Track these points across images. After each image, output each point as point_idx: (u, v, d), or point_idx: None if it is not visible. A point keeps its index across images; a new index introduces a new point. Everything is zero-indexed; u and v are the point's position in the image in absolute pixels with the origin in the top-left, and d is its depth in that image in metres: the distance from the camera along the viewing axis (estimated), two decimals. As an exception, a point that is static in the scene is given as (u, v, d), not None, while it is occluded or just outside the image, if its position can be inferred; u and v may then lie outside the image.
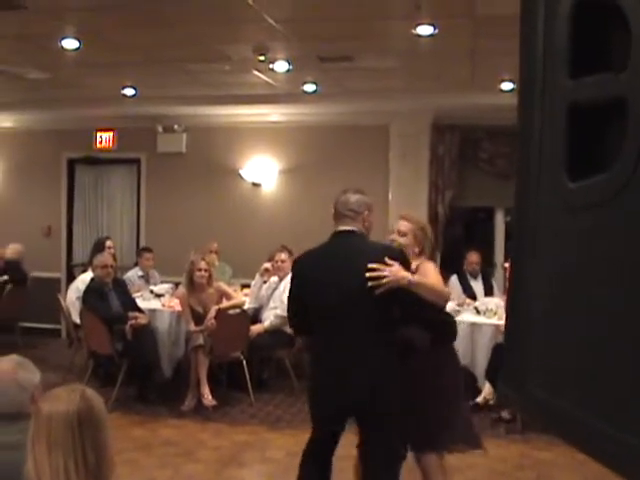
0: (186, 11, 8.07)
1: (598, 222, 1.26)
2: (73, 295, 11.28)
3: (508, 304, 1.65)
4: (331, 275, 5.21)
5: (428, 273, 5.40)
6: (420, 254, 5.64)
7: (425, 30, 8.27)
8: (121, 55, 10.02)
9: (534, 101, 1.47)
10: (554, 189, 1.39)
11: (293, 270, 5.74)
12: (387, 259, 4.98)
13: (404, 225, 5.66)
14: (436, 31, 8.30)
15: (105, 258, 10.66)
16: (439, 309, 5.38)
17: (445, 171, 13.70)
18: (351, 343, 5.20)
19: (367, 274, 4.94)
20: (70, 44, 9.17)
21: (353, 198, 5.36)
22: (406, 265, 5.15)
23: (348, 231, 5.29)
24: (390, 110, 13.24)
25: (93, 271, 10.66)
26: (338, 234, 5.35)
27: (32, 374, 3.88)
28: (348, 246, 5.27)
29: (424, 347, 5.43)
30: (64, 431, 2.89)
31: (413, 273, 5.18)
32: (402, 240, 5.60)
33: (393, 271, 4.94)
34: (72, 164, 15.56)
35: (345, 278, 5.12)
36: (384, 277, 4.92)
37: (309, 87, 11.74)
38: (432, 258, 5.80)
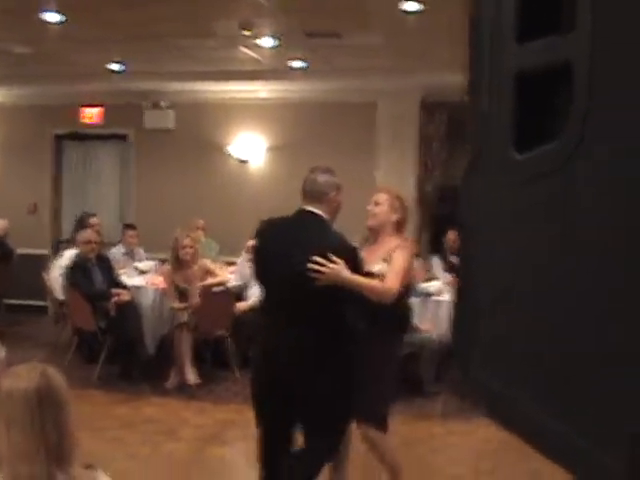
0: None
1: (547, 194, 1.21)
2: (57, 272, 11.21)
3: (457, 287, 1.60)
4: (280, 252, 5.13)
5: (394, 263, 5.33)
6: (400, 224, 5.60)
7: (411, 6, 8.21)
8: (107, 30, 9.94)
9: (482, 71, 1.42)
10: (502, 163, 1.33)
11: (256, 235, 5.68)
12: (333, 256, 4.89)
13: (379, 196, 5.63)
14: (422, 7, 8.23)
15: (88, 234, 10.59)
16: (393, 303, 5.30)
17: (434, 150, 13.65)
18: (289, 318, 5.15)
19: (308, 265, 4.88)
20: (52, 17, 9.08)
21: (321, 178, 5.26)
22: (355, 263, 5.07)
23: (310, 212, 5.20)
24: (378, 88, 13.16)
25: (76, 247, 10.59)
26: (300, 213, 5.25)
27: None
28: (305, 228, 5.17)
29: (365, 336, 5.38)
30: (23, 409, 2.84)
31: (359, 271, 5.12)
32: (378, 209, 5.56)
33: (335, 269, 4.88)
34: (59, 140, 15.48)
35: (291, 259, 5.02)
36: (323, 272, 4.87)
37: (297, 64, 11.68)
38: (403, 229, 5.75)
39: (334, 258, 4.89)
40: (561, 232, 1.18)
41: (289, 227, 5.27)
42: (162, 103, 14.46)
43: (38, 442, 2.82)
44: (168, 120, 14.55)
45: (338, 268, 4.89)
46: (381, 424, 5.56)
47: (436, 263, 11.70)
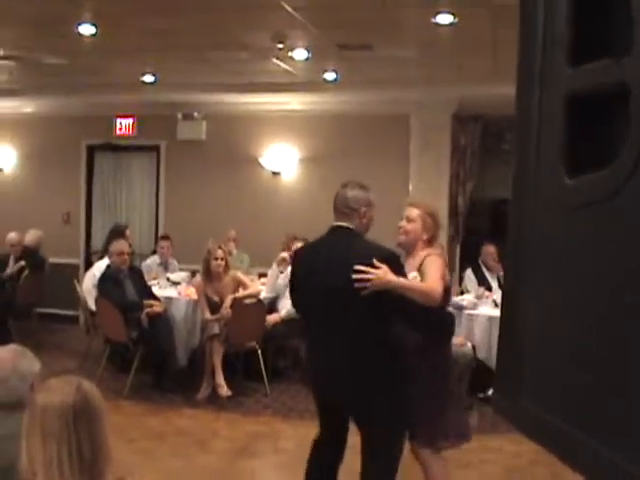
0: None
1: (598, 221, 1.18)
2: (89, 282, 11.27)
3: (502, 312, 1.57)
4: (318, 271, 5.18)
5: (429, 269, 5.29)
6: (430, 241, 5.53)
7: (444, 19, 8.18)
8: (139, 41, 9.97)
9: (533, 91, 1.39)
10: (552, 186, 1.31)
11: (292, 261, 5.74)
12: (375, 261, 4.88)
13: (412, 211, 5.56)
14: (455, 20, 8.21)
15: (121, 245, 10.63)
16: (435, 307, 5.22)
17: (467, 162, 13.63)
18: (335, 340, 5.19)
19: (353, 275, 4.87)
20: (87, 30, 9.12)
21: (350, 194, 5.27)
22: (397, 267, 5.04)
23: (342, 227, 5.23)
24: (411, 100, 13.13)
25: (109, 258, 10.64)
26: (333, 230, 5.29)
27: (32, 363, 3.83)
28: (339, 243, 5.19)
29: (416, 347, 5.31)
30: (58, 423, 2.84)
31: (402, 275, 5.08)
32: (410, 227, 5.51)
33: (379, 274, 4.85)
34: (92, 150, 15.57)
35: (331, 275, 5.06)
36: (369, 279, 4.85)
37: (329, 75, 11.65)
38: (433, 243, 5.68)
39: (377, 263, 4.88)
40: (608, 262, 1.16)
41: (322, 246, 5.32)
42: (195, 114, 14.50)
43: (73, 456, 2.82)
44: (200, 131, 14.57)
45: (383, 273, 4.87)
46: (431, 442, 5.50)
47: (469, 276, 11.65)
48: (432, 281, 5.20)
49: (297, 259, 5.65)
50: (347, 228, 5.20)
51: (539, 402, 1.33)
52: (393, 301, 5.00)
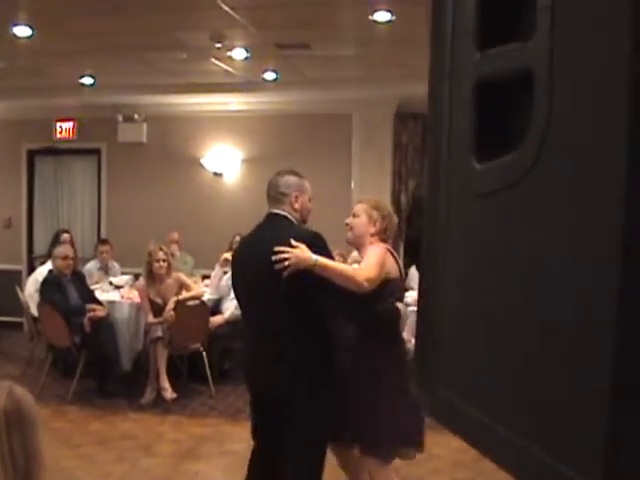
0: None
1: (507, 206, 1.18)
2: (32, 287, 11.17)
3: (418, 299, 1.57)
4: (250, 259, 5.11)
5: (366, 258, 5.17)
6: (380, 235, 5.43)
7: (382, 16, 8.20)
8: (77, 43, 9.88)
9: (443, 80, 1.39)
10: (463, 173, 1.31)
11: (231, 256, 5.71)
12: (293, 241, 4.76)
13: (358, 207, 5.49)
14: (393, 17, 8.23)
15: (65, 249, 10.55)
16: (375, 299, 5.08)
17: (408, 160, 13.68)
18: (265, 332, 5.11)
19: (272, 257, 4.75)
20: (22, 31, 9.02)
21: (282, 180, 5.22)
22: (318, 248, 4.87)
23: (274, 214, 5.17)
24: (352, 99, 13.17)
25: (53, 262, 10.52)
26: (267, 217, 5.22)
27: None
28: (268, 230, 5.12)
29: (350, 344, 5.21)
30: None
31: (324, 256, 4.93)
32: (355, 222, 5.42)
33: (296, 252, 4.71)
34: (32, 155, 15.40)
35: (257, 263, 4.97)
36: (287, 259, 4.72)
37: (269, 75, 11.65)
38: (394, 239, 5.57)
39: (295, 243, 4.75)
40: (517, 247, 1.16)
41: (256, 233, 5.24)
42: (136, 116, 14.41)
43: (7, 466, 2.76)
44: (141, 133, 14.49)
45: (299, 251, 4.73)
46: (380, 453, 5.22)
47: (413, 273, 11.68)
48: (362, 267, 5.06)
49: (234, 253, 5.61)
50: (277, 214, 5.14)
51: (454, 390, 1.33)
52: (314, 283, 4.82)
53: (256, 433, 5.44)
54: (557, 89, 1.06)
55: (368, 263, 5.10)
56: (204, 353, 10.03)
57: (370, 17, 8.24)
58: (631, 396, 0.95)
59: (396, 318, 5.23)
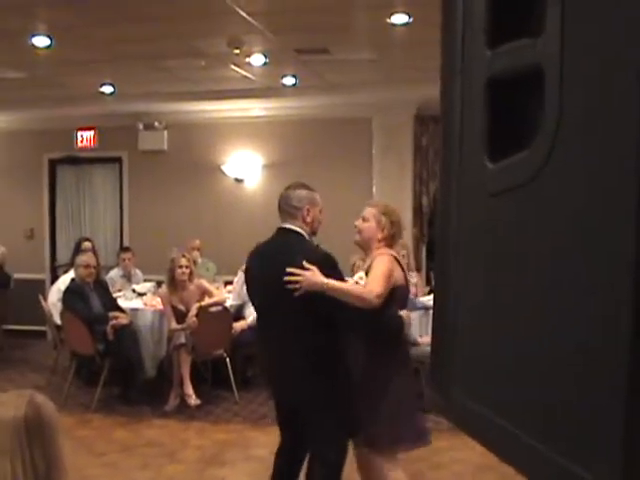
0: (159, 6, 7.98)
1: (520, 204, 1.17)
2: (54, 296, 11.21)
3: (434, 301, 1.56)
4: (261, 273, 5.30)
5: (373, 270, 5.23)
6: (388, 241, 5.47)
7: (399, 19, 8.18)
8: (96, 52, 9.92)
9: (455, 78, 1.38)
10: (475, 172, 1.29)
11: (245, 264, 5.78)
12: (305, 263, 4.89)
13: (368, 211, 5.52)
14: (411, 20, 8.21)
15: (88, 258, 10.58)
16: (379, 311, 5.14)
17: (429, 162, 13.64)
18: (277, 343, 5.30)
19: (285, 278, 4.90)
20: (41, 42, 9.06)
21: (293, 194, 5.33)
22: (329, 269, 5.01)
23: (285, 229, 5.27)
24: (372, 102, 13.16)
25: (75, 271, 10.56)
26: (278, 231, 5.34)
27: None
28: (280, 245, 5.23)
29: (361, 353, 5.29)
30: (11, 438, 2.78)
31: (336, 278, 5.04)
32: (363, 225, 5.47)
33: (307, 276, 4.87)
34: (53, 164, 15.48)
35: (270, 278, 5.12)
36: (298, 281, 4.87)
37: (288, 80, 11.65)
38: (393, 242, 5.57)
39: (307, 265, 4.88)
40: (531, 245, 1.14)
41: (267, 247, 5.37)
42: (156, 124, 14.46)
43: (27, 471, 2.77)
44: (162, 141, 14.54)
45: (310, 274, 4.87)
46: (379, 448, 5.38)
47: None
48: (370, 283, 5.14)
49: (247, 262, 5.67)
50: (289, 229, 5.24)
51: (469, 393, 1.31)
52: (325, 304, 4.96)
53: (281, 431, 5.70)
54: (568, 85, 1.05)
55: (375, 277, 5.17)
56: (227, 359, 10.03)
57: (388, 20, 8.22)
58: None
59: (400, 327, 5.30)
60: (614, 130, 0.97)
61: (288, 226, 5.24)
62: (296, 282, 4.86)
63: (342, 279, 5.16)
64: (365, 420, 5.27)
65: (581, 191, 1.03)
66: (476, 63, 1.29)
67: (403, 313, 5.36)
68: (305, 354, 5.12)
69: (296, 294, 4.87)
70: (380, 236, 5.42)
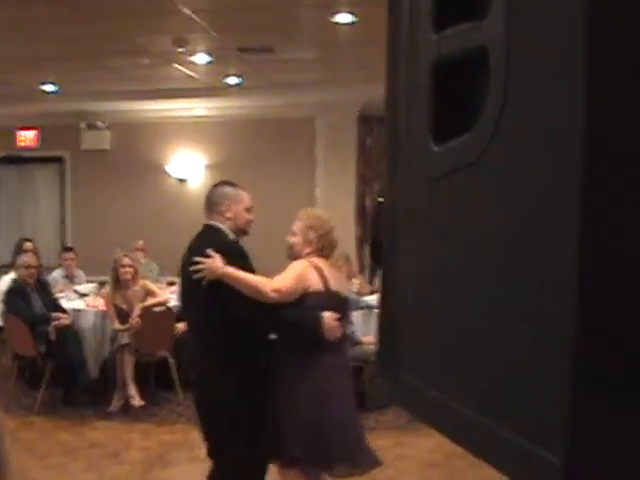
0: (103, 3, 7.91)
1: (464, 187, 1.17)
2: (-4, 298, 11.05)
3: (382, 286, 1.56)
4: (181, 271, 5.38)
5: (286, 270, 5.23)
6: (314, 252, 5.37)
7: (344, 18, 8.20)
8: (37, 49, 9.82)
9: (401, 63, 1.39)
10: (421, 155, 1.30)
11: None
12: (209, 251, 4.93)
13: (296, 225, 5.46)
14: (355, 19, 8.23)
15: (29, 258, 10.48)
16: (288, 308, 5.12)
17: (373, 163, 13.69)
18: (194, 340, 5.43)
19: (190, 268, 4.97)
20: (-19, 38, 8.96)
21: (215, 191, 5.43)
22: (232, 258, 5.01)
23: (205, 225, 5.35)
24: (316, 102, 13.17)
25: (16, 271, 10.44)
26: (202, 227, 5.40)
27: None
28: (196, 240, 5.30)
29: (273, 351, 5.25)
30: None
31: (239, 267, 5.01)
32: (292, 240, 5.44)
33: (209, 263, 4.91)
34: (-5, 164, 15.30)
35: (184, 274, 5.23)
36: (201, 270, 4.93)
37: (232, 80, 11.64)
38: (325, 254, 5.50)
39: (211, 253, 4.91)
40: (474, 227, 1.15)
41: (189, 244, 5.37)
42: (99, 124, 14.36)
43: None
44: (105, 141, 14.45)
45: (211, 261, 4.90)
46: (284, 460, 5.17)
47: (381, 276, 11.68)
48: (275, 279, 5.13)
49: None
50: (208, 225, 5.31)
51: (417, 374, 1.32)
52: (228, 293, 4.96)
53: None
54: (512, 66, 1.06)
55: (282, 275, 5.18)
56: (171, 360, 9.97)
57: (332, 19, 8.24)
58: (592, 368, 0.95)
59: (315, 328, 5.17)
60: (559, 109, 0.98)
61: (208, 222, 5.32)
62: (200, 271, 4.91)
63: (249, 272, 5.12)
64: (280, 436, 5.10)
65: (525, 172, 1.04)
66: (422, 47, 1.30)
67: (326, 315, 5.23)
68: (212, 353, 5.15)
69: (203, 282, 4.90)
70: (308, 250, 5.37)
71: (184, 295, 5.58)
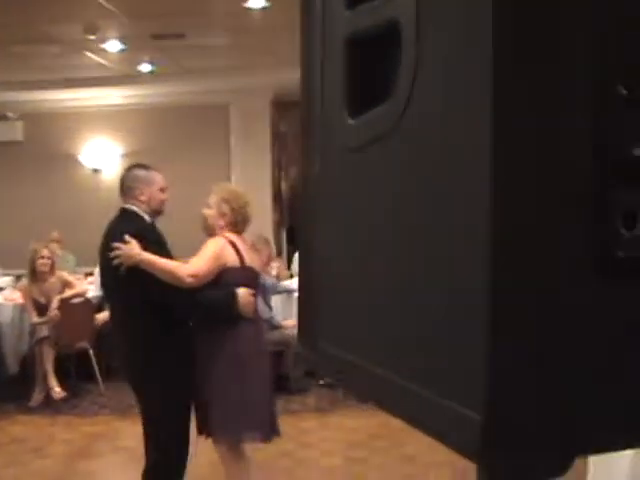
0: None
1: (382, 157, 1.20)
2: None
3: (299, 258, 1.60)
4: (100, 255, 5.32)
5: (201, 251, 5.29)
6: (228, 226, 5.43)
7: (256, 3, 8.20)
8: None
9: (314, 40, 1.41)
10: (336, 128, 1.33)
11: None
12: (127, 237, 4.98)
13: (211, 197, 5.51)
14: (267, 4, 8.24)
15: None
16: (208, 287, 5.20)
17: (288, 148, 13.75)
18: (114, 323, 5.62)
19: (110, 254, 5.01)
20: None
21: (129, 175, 5.46)
22: (147, 243, 5.07)
23: (122, 208, 5.37)
24: (229, 88, 13.17)
25: None
26: (118, 211, 5.43)
27: None
28: (111, 224, 5.35)
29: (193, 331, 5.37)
30: None
31: (153, 252, 5.07)
32: (208, 212, 5.48)
33: (125, 249, 4.98)
34: None
35: (101, 255, 5.24)
36: (118, 255, 4.99)
37: (145, 67, 11.57)
38: (239, 229, 5.54)
39: (128, 239, 4.96)
40: (386, 198, 1.18)
41: (107, 228, 5.36)
42: (9, 114, 14.14)
43: None
44: (17, 132, 14.24)
45: (128, 247, 4.96)
46: (219, 432, 5.31)
47: (298, 260, 11.76)
48: (191, 262, 5.21)
49: None
50: (124, 209, 5.34)
51: (335, 342, 1.34)
52: (145, 278, 5.02)
53: None
54: (424, 35, 1.09)
55: (197, 258, 5.24)
56: (91, 351, 9.90)
57: (244, 4, 8.23)
58: (507, 319, 0.98)
59: (230, 303, 5.24)
60: (470, 76, 1.01)
61: (123, 205, 5.35)
62: (117, 257, 4.97)
63: (166, 256, 5.19)
64: (201, 407, 5.30)
65: (437, 143, 1.07)
66: (336, 24, 1.32)
67: (241, 291, 5.30)
68: (132, 337, 5.26)
69: (122, 269, 4.96)
70: (222, 223, 5.41)
71: (103, 280, 5.62)
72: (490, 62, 0.94)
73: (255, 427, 5.37)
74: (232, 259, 5.30)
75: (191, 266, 5.14)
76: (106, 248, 5.05)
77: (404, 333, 1.13)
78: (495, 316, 0.95)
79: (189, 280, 5.05)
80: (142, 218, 5.30)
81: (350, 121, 1.29)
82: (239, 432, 5.34)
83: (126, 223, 5.22)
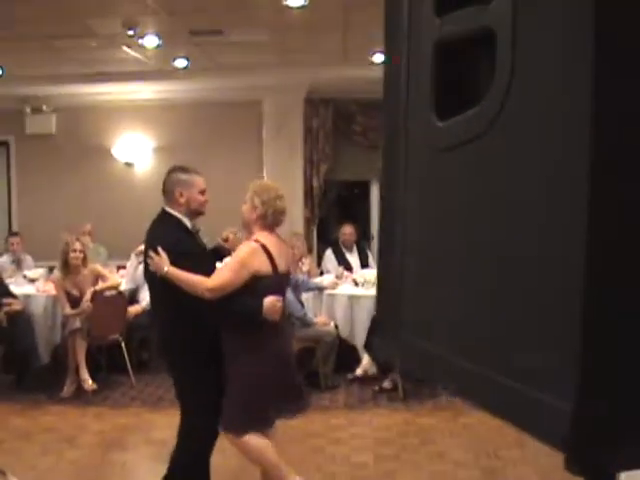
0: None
1: (469, 159, 1.23)
2: (-56, 284, 10.93)
3: (379, 256, 1.62)
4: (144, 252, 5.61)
5: (227, 262, 5.61)
6: (259, 219, 5.54)
7: (296, 1, 8.21)
8: (-18, 32, 9.69)
9: (400, 42, 1.44)
10: (423, 130, 1.35)
11: None
12: (160, 249, 5.25)
13: (247, 194, 5.61)
14: (306, 2, 8.25)
15: (-25, 244, 10.38)
16: (239, 296, 5.36)
17: (319, 145, 13.76)
18: (155, 314, 5.99)
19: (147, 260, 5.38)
20: None
21: (169, 178, 5.61)
22: (174, 256, 5.27)
23: (162, 210, 5.59)
24: (263, 85, 13.20)
25: (-37, 258, 10.35)
26: (159, 212, 5.65)
27: None
28: (151, 226, 5.59)
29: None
30: None
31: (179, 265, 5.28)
32: (243, 207, 5.61)
33: (156, 260, 5.27)
34: (-63, 149, 15.07)
35: (145, 258, 5.52)
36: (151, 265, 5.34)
37: (180, 62, 11.56)
38: (270, 222, 5.58)
39: (160, 250, 5.24)
40: (478, 198, 1.20)
41: (148, 229, 5.63)
42: (44, 107, 14.21)
43: None
44: (50, 125, 14.30)
45: (158, 259, 5.25)
46: (229, 427, 5.56)
47: (329, 257, 11.77)
48: (214, 275, 5.38)
49: None
50: (164, 211, 5.57)
51: (422, 335, 1.37)
52: (173, 288, 5.27)
53: None
54: (520, 42, 1.11)
55: (222, 269, 5.54)
56: (123, 343, 9.95)
57: (284, 2, 8.25)
58: (602, 313, 1.00)
59: (255, 313, 5.37)
60: (567, 83, 1.03)
61: (164, 208, 5.56)
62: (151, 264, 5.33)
63: (195, 265, 5.33)
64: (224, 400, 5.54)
65: (534, 141, 1.09)
66: (424, 29, 1.35)
67: (268, 300, 5.37)
68: (165, 324, 5.62)
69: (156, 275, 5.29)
70: (254, 216, 5.49)
71: (146, 275, 5.72)
72: (591, 71, 0.97)
73: (258, 427, 5.59)
74: (265, 267, 5.42)
75: (212, 280, 5.31)
76: (147, 249, 5.38)
77: (495, 332, 1.16)
78: (589, 315, 0.98)
79: (207, 295, 5.26)
80: (179, 222, 5.50)
81: (439, 124, 1.31)
82: (243, 431, 5.54)
83: (162, 229, 5.51)
